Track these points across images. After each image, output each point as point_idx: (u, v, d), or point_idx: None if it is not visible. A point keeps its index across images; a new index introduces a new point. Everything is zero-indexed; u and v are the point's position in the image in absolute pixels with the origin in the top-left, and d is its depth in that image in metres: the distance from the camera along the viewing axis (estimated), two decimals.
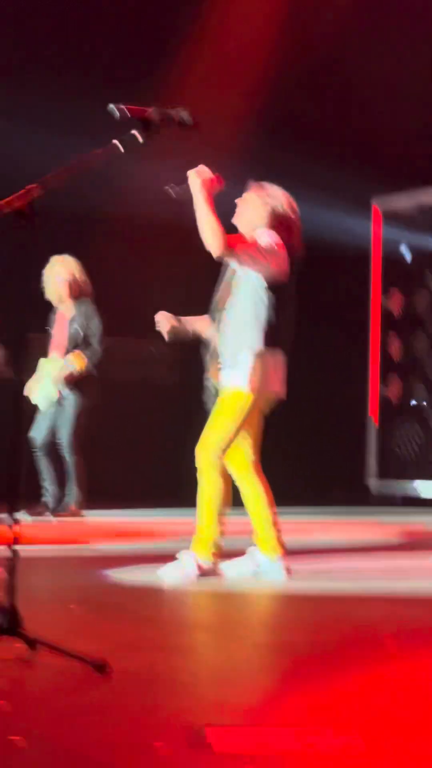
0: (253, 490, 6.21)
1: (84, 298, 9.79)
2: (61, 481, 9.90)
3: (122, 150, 4.14)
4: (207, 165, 6.07)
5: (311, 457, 13.24)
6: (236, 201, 6.31)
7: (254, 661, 4.12)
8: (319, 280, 13.20)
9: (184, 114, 4.34)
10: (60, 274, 9.71)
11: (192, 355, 6.66)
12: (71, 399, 9.75)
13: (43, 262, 9.91)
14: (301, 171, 11.38)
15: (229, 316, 6.20)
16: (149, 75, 11.73)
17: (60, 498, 9.85)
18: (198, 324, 6.48)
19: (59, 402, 9.75)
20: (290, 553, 6.30)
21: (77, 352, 9.70)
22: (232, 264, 6.16)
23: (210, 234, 5.94)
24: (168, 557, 6.27)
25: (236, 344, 6.16)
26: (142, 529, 9.43)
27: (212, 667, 4.01)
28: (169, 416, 12.57)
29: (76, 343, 9.72)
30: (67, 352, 9.73)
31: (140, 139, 4.17)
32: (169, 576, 5.97)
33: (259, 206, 6.22)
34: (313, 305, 13.09)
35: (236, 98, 12.31)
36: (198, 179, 5.97)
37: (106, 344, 9.94)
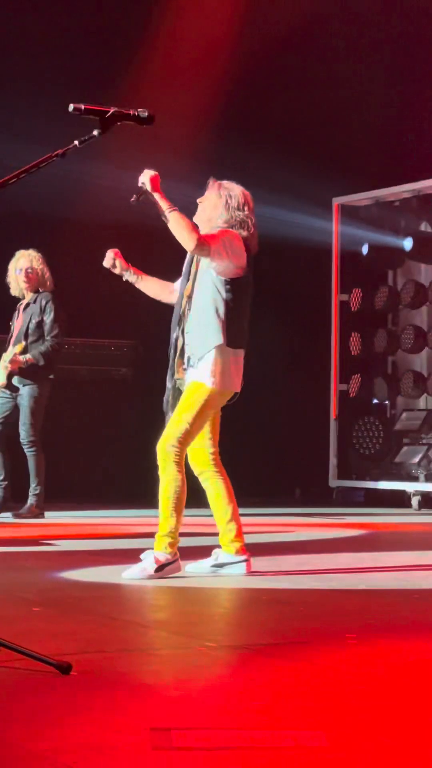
0: (214, 486, 6.25)
1: (44, 290, 9.76)
2: (20, 478, 9.85)
3: (78, 146, 4.18)
4: (164, 165, 6.10)
5: (273, 457, 13.24)
6: (198, 200, 6.30)
7: (216, 660, 4.11)
8: (281, 278, 13.24)
9: (141, 111, 4.34)
10: (20, 267, 9.70)
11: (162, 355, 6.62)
12: (25, 392, 9.72)
13: (8, 257, 9.92)
14: (263, 170, 11.43)
15: (193, 314, 6.18)
16: (106, 78, 11.72)
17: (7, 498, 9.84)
18: (157, 286, 6.44)
19: (10, 394, 9.72)
20: (251, 550, 6.30)
21: (22, 343, 9.66)
22: (203, 259, 6.14)
23: (183, 230, 6.00)
24: (131, 556, 6.26)
25: (200, 341, 6.14)
26: (104, 529, 9.41)
27: (175, 667, 3.99)
28: (135, 414, 12.59)
29: (31, 335, 9.68)
30: (17, 342, 9.70)
31: (96, 134, 4.19)
32: (128, 572, 5.95)
33: (219, 204, 6.21)
34: (274, 303, 13.16)
35: (195, 98, 12.31)
36: (149, 183, 6.03)
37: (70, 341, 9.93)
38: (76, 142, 4.19)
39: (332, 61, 12.94)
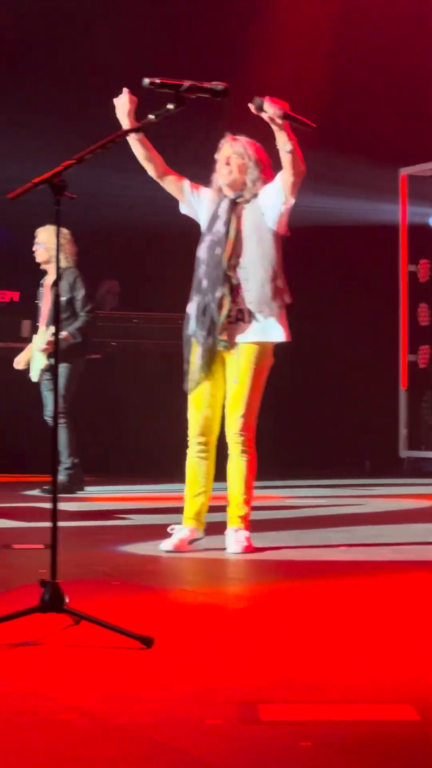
0: (212, 461, 6.20)
1: (69, 267, 9.68)
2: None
3: (156, 120, 4.19)
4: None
5: (342, 429, 13.20)
6: (222, 158, 6.16)
7: (303, 635, 4.10)
8: (348, 250, 13.19)
9: (216, 84, 4.33)
10: (44, 242, 9.61)
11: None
12: (60, 370, 9.68)
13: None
14: (333, 142, 11.36)
15: (250, 270, 6.08)
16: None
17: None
18: (149, 152, 6.10)
19: (49, 373, 9.69)
20: (328, 522, 6.27)
21: (43, 326, 9.61)
22: (256, 215, 6.08)
23: (300, 159, 5.93)
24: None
25: (266, 297, 6.07)
26: (175, 503, 9.43)
27: (259, 641, 3.99)
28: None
29: (63, 313, 9.60)
30: (50, 323, 9.60)
31: (171, 107, 4.19)
32: (230, 548, 6.00)
33: (251, 162, 6.14)
34: (341, 274, 13.11)
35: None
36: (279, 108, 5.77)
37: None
38: (151, 116, 4.19)
39: (399, 31, 12.83)
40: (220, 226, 6.14)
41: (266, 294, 6.07)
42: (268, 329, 6.08)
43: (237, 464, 6.12)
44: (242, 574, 5.62)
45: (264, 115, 5.72)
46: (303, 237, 12.81)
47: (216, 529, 6.19)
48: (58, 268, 4.22)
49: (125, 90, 5.90)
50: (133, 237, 10.64)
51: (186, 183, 6.24)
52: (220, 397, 6.14)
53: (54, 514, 3.99)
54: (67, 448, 9.64)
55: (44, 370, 9.59)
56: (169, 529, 6.14)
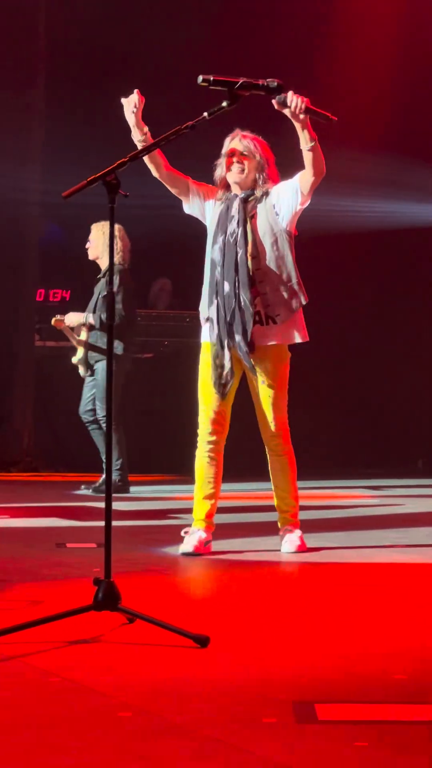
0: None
1: (119, 262, 9.65)
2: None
3: (208, 117, 4.19)
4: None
5: (395, 427, 13.15)
6: (230, 153, 6.04)
7: (360, 635, 4.08)
8: (409, 252, 13.16)
9: (270, 81, 4.33)
10: (93, 239, 9.62)
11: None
12: (99, 368, 9.68)
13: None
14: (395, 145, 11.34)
15: (268, 272, 5.98)
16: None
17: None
18: (157, 155, 5.96)
19: (90, 370, 9.69)
20: (383, 522, 6.23)
21: (80, 315, 9.59)
22: (273, 216, 5.98)
23: (322, 158, 5.83)
24: (260, 529, 6.23)
25: (284, 299, 5.99)
26: (228, 502, 9.42)
27: (316, 640, 3.97)
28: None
29: (99, 309, 9.58)
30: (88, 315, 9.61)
31: (225, 105, 4.19)
32: (285, 547, 6.00)
33: (263, 161, 6.05)
34: (393, 274, 13.05)
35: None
36: (302, 102, 5.57)
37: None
38: (205, 114, 4.18)
39: None
40: (234, 227, 6.01)
41: (283, 295, 5.99)
42: (287, 331, 6.01)
43: (280, 465, 6.10)
44: (297, 574, 5.60)
45: (286, 111, 5.56)
46: (370, 240, 12.89)
47: (259, 530, 6.17)
48: (111, 264, 4.21)
49: (135, 90, 5.83)
50: (186, 236, 10.59)
51: (191, 183, 6.12)
52: (231, 397, 6.10)
53: (108, 513, 4.00)
54: (116, 449, 9.64)
55: (78, 363, 9.61)
56: (182, 533, 6.08)
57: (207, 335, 6.10)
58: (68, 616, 3.91)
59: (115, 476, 9.60)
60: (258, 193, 6.04)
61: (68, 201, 4.15)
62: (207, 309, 6.08)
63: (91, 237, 9.58)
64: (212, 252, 6.08)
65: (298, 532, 6.06)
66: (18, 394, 12.20)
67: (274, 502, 6.16)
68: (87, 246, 9.60)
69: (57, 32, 11.85)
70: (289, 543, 6.01)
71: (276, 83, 4.27)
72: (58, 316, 9.56)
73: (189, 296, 12.43)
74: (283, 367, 6.06)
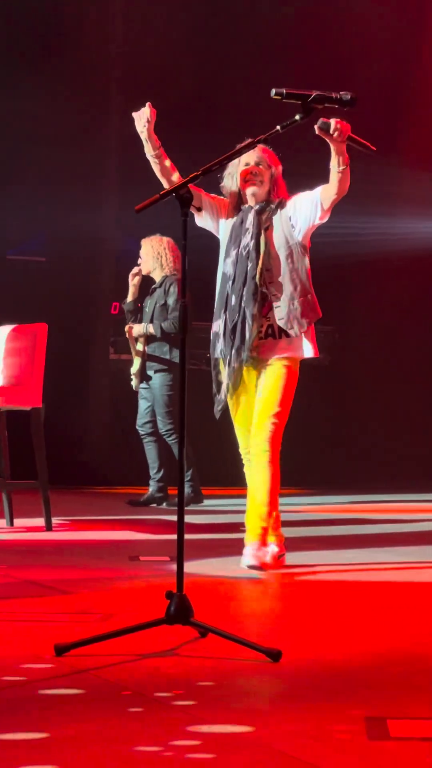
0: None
1: (169, 275, 9.66)
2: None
3: (280, 131, 4.20)
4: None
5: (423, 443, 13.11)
6: (250, 165, 5.94)
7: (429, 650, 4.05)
8: None
9: (344, 93, 4.32)
10: (143, 254, 9.66)
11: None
12: (156, 381, 9.67)
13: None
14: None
15: (282, 286, 5.89)
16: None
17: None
18: (169, 170, 5.91)
19: (146, 382, 9.69)
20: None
21: (141, 324, 9.60)
22: (288, 229, 5.89)
23: (347, 183, 5.72)
24: (326, 542, 6.20)
25: (296, 314, 5.88)
26: (301, 516, 9.39)
27: (387, 655, 3.94)
28: (333, 400, 12.62)
29: (156, 318, 9.60)
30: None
31: (298, 118, 4.19)
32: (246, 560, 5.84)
33: (274, 168, 5.98)
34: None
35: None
36: (341, 130, 5.45)
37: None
38: (278, 127, 4.19)
39: None
40: (248, 239, 5.91)
41: (296, 310, 5.88)
42: (298, 346, 5.92)
43: (262, 475, 5.93)
44: (369, 589, 5.56)
45: (327, 137, 5.44)
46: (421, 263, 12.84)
47: (331, 543, 6.14)
48: (184, 278, 4.21)
49: (147, 104, 5.79)
50: None
51: (204, 196, 6.03)
52: (251, 412, 6.02)
53: (180, 527, 4.00)
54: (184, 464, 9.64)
55: (134, 375, 9.63)
56: (260, 553, 5.96)
57: (212, 350, 6.05)
58: (140, 630, 3.91)
59: (187, 489, 9.61)
60: (273, 204, 5.96)
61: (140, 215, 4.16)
62: (216, 323, 6.01)
63: (142, 252, 9.64)
64: (224, 266, 6.01)
65: (275, 548, 5.98)
66: (93, 407, 12.28)
67: (248, 512, 5.99)
68: (139, 261, 9.65)
69: (130, 71, 11.96)
70: (251, 558, 5.83)
71: (349, 96, 4.26)
72: (131, 324, 9.63)
73: None
74: (289, 382, 5.93)
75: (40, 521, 7.69)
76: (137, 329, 9.58)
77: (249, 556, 5.83)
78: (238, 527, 8.12)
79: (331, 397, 12.83)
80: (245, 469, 6.13)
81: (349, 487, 12.10)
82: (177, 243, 9.47)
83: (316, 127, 5.34)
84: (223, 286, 5.98)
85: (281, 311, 5.88)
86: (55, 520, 7.76)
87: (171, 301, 9.48)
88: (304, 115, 4.15)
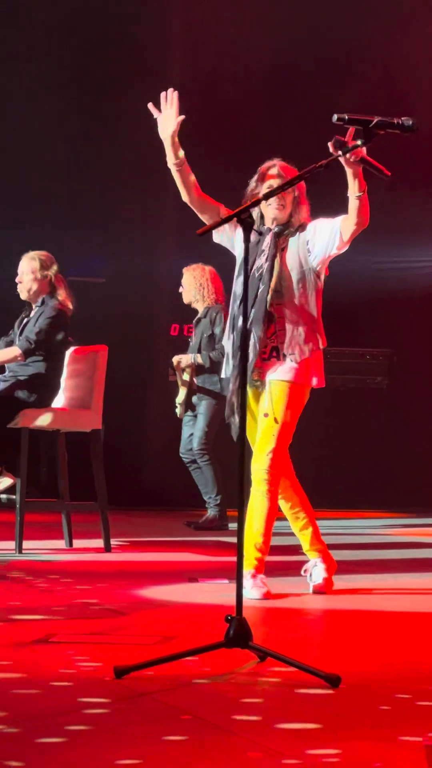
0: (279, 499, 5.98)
1: (214, 304, 9.67)
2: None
3: (341, 156, 4.22)
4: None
5: None
6: (272, 187, 5.75)
7: None
8: None
9: (405, 119, 4.32)
10: (184, 283, 9.68)
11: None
12: (202, 406, 9.68)
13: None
14: None
15: (289, 309, 5.79)
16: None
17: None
18: (191, 182, 5.84)
19: (192, 413, 9.70)
20: None
21: (189, 355, 9.62)
22: (304, 254, 5.80)
23: (367, 209, 5.60)
24: (390, 566, 6.17)
25: (300, 338, 5.78)
26: (358, 539, 9.35)
27: None
28: (391, 423, 12.56)
29: (204, 348, 9.61)
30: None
31: (359, 143, 4.21)
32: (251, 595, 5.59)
33: (300, 189, 5.88)
34: None
35: None
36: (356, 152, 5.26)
37: None
38: (339, 153, 4.21)
39: None
40: (262, 261, 5.81)
41: (300, 336, 5.78)
42: (302, 372, 5.79)
43: (261, 502, 5.79)
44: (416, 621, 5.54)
45: (341, 158, 5.30)
46: None
47: (393, 567, 6.10)
48: (245, 303, 4.21)
49: (174, 109, 5.69)
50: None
51: (222, 211, 5.88)
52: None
53: (240, 549, 4.00)
54: (214, 485, 9.70)
55: (179, 404, 9.64)
56: (302, 572, 6.01)
57: (223, 371, 5.99)
58: (199, 653, 3.92)
59: (213, 512, 9.67)
60: (292, 227, 5.87)
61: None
62: (226, 344, 5.95)
63: (184, 281, 9.66)
64: (235, 285, 5.93)
65: (260, 577, 5.74)
66: (151, 428, 12.31)
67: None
68: (180, 290, 9.67)
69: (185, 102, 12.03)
70: (255, 588, 5.65)
71: (411, 122, 4.26)
72: (179, 356, 9.63)
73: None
74: (295, 404, 5.82)
75: (99, 542, 7.72)
76: (185, 360, 9.60)
77: (251, 588, 5.61)
78: (297, 549, 8.12)
79: (389, 419, 12.78)
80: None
81: (408, 509, 12.06)
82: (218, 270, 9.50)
83: (330, 144, 5.18)
84: (232, 306, 5.90)
85: (285, 335, 5.79)
86: (113, 542, 7.79)
87: (218, 330, 9.52)
88: (365, 140, 4.16)
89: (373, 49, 12.55)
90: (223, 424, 9.92)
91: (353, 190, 5.53)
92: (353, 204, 5.57)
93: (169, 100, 5.72)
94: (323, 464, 12.24)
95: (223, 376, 6.00)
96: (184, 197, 5.89)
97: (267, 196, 4.32)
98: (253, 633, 3.88)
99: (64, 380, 7.94)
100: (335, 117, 4.20)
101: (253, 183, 5.91)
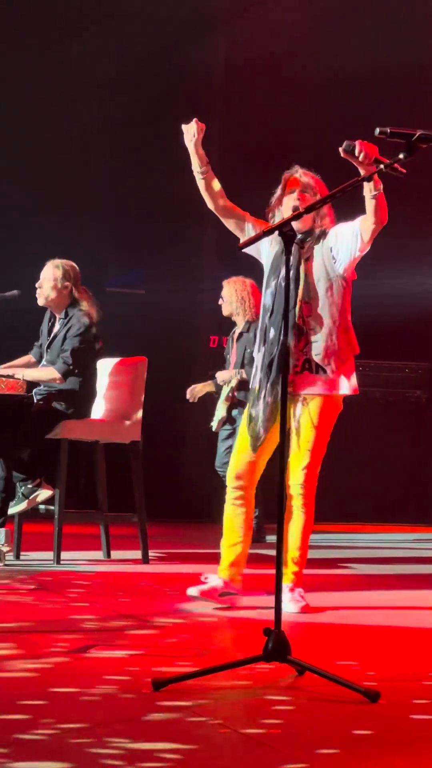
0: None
1: (255, 318, 9.63)
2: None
3: (384, 170, 4.22)
4: None
5: None
6: (299, 197, 5.72)
7: None
8: None
9: None
10: (225, 296, 9.63)
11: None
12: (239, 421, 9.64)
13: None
14: None
15: (321, 319, 5.70)
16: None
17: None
18: (216, 189, 5.84)
19: (229, 422, 9.66)
20: None
21: (232, 371, 9.58)
22: (329, 262, 5.71)
23: (385, 209, 5.51)
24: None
25: (334, 348, 5.69)
26: (397, 552, 9.32)
27: None
28: (430, 437, 12.50)
29: (247, 365, 9.57)
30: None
31: (402, 157, 4.19)
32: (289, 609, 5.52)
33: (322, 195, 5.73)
34: None
35: None
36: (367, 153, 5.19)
37: None
38: (381, 166, 4.20)
39: None
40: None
41: (335, 344, 5.69)
42: (336, 382, 5.71)
43: (296, 517, 5.74)
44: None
45: (353, 160, 5.23)
46: None
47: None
48: (286, 319, 4.20)
49: (194, 119, 5.74)
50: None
51: (248, 219, 5.86)
52: (269, 447, 5.78)
53: (278, 562, 3.99)
54: None
55: (222, 421, 9.59)
56: (202, 578, 5.84)
57: (251, 381, 5.90)
58: (237, 667, 3.91)
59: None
60: (315, 234, 5.77)
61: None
62: (257, 356, 5.85)
63: (224, 294, 9.62)
64: (265, 297, 5.86)
65: (300, 590, 5.72)
66: (191, 440, 12.31)
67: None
68: (220, 302, 9.64)
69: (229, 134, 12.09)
70: (293, 602, 5.62)
71: None
72: (221, 375, 9.58)
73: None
74: (326, 419, 5.75)
75: (136, 554, 7.72)
76: (223, 376, 9.57)
77: (287, 602, 5.53)
78: (336, 563, 8.10)
79: (429, 432, 12.73)
80: (226, 501, 5.89)
81: None
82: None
83: (341, 149, 5.20)
84: (263, 318, 5.83)
85: (318, 346, 5.70)
86: (151, 553, 7.79)
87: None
88: (407, 153, 4.14)
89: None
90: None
91: (368, 190, 5.45)
92: (370, 204, 5.49)
93: (193, 122, 5.77)
94: (361, 476, 12.22)
95: (253, 385, 5.86)
96: (210, 205, 5.89)
97: (308, 210, 4.31)
98: (292, 647, 3.87)
99: (103, 391, 7.96)
100: (377, 130, 4.19)
101: (278, 191, 5.85)
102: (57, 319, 7.87)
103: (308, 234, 5.77)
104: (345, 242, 5.69)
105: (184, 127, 5.80)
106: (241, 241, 4.60)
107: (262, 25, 12.31)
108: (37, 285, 7.87)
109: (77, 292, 7.85)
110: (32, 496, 7.63)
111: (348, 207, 5.65)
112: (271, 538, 9.78)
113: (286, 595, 5.56)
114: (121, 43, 12.25)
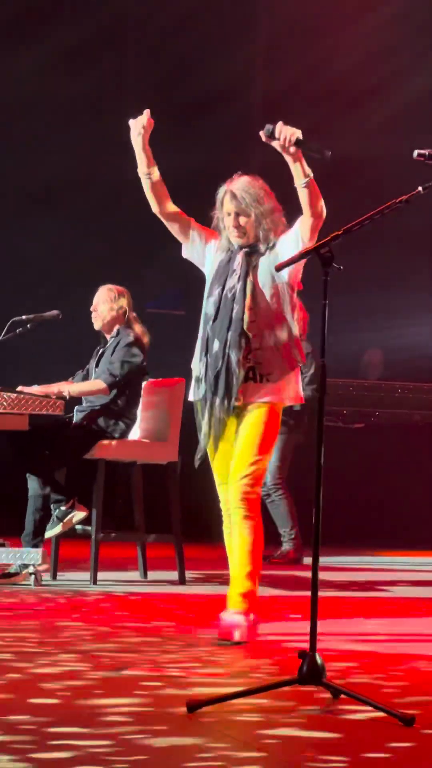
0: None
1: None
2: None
3: (422, 192, 4.21)
4: None
5: None
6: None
7: None
8: None
9: None
10: None
11: None
12: (279, 440, 9.59)
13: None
14: None
15: (265, 328, 5.50)
16: None
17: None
18: (162, 190, 5.64)
19: None
20: None
21: None
22: (272, 268, 5.47)
23: (320, 196, 5.30)
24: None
25: (279, 357, 5.49)
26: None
27: None
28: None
29: None
30: None
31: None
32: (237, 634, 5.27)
33: (264, 205, 5.53)
34: None
35: None
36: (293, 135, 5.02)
37: None
38: (420, 189, 4.18)
39: None
40: (234, 282, 5.51)
41: (277, 354, 5.48)
42: (280, 391, 5.49)
43: (240, 532, 5.45)
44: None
45: (275, 144, 5.05)
46: None
47: None
48: (323, 338, 4.18)
49: (146, 111, 5.50)
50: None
51: (193, 225, 5.66)
52: (228, 452, 5.55)
53: (314, 584, 3.97)
54: (289, 519, 9.66)
55: None
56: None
57: (192, 394, 5.70)
58: (272, 689, 3.89)
59: (288, 546, 9.64)
60: (262, 247, 5.55)
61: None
62: (197, 366, 5.65)
63: None
64: (206, 305, 5.66)
65: (244, 617, 5.34)
66: None
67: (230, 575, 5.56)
68: None
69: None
70: (237, 630, 5.28)
71: None
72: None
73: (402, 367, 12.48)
74: (273, 426, 5.50)
75: (173, 575, 7.71)
76: None
77: (230, 629, 5.28)
78: (373, 585, 8.06)
79: None
80: (223, 527, 5.66)
81: None
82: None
83: (261, 133, 5.03)
84: (204, 328, 5.64)
85: (262, 354, 5.50)
86: (188, 574, 7.78)
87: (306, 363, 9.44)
88: None
89: None
90: (296, 457, 9.93)
91: (297, 177, 5.24)
92: (302, 194, 5.27)
93: (143, 115, 5.55)
94: (400, 498, 12.16)
95: (191, 398, 5.71)
96: (154, 208, 5.68)
97: (347, 231, 4.27)
98: (327, 670, 3.85)
99: (140, 412, 7.97)
100: (416, 153, 4.18)
101: (217, 212, 5.64)
102: (108, 339, 7.92)
103: (255, 247, 5.55)
104: (288, 249, 5.45)
105: (131, 122, 5.55)
106: (287, 264, 4.52)
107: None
108: (91, 309, 7.92)
109: (131, 316, 7.94)
110: (67, 519, 7.64)
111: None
112: (346, 559, 9.79)
113: (228, 619, 5.33)
114: None
